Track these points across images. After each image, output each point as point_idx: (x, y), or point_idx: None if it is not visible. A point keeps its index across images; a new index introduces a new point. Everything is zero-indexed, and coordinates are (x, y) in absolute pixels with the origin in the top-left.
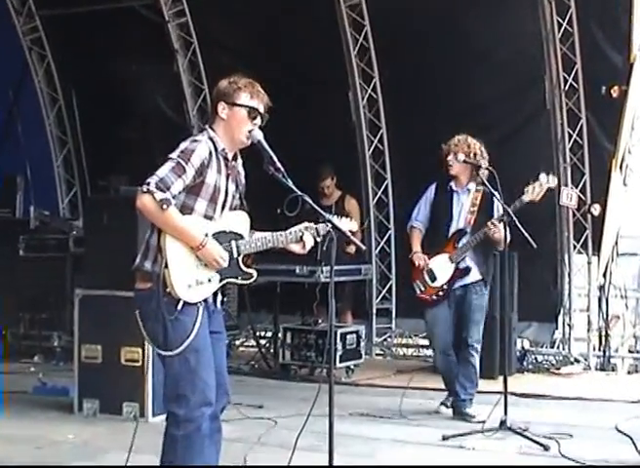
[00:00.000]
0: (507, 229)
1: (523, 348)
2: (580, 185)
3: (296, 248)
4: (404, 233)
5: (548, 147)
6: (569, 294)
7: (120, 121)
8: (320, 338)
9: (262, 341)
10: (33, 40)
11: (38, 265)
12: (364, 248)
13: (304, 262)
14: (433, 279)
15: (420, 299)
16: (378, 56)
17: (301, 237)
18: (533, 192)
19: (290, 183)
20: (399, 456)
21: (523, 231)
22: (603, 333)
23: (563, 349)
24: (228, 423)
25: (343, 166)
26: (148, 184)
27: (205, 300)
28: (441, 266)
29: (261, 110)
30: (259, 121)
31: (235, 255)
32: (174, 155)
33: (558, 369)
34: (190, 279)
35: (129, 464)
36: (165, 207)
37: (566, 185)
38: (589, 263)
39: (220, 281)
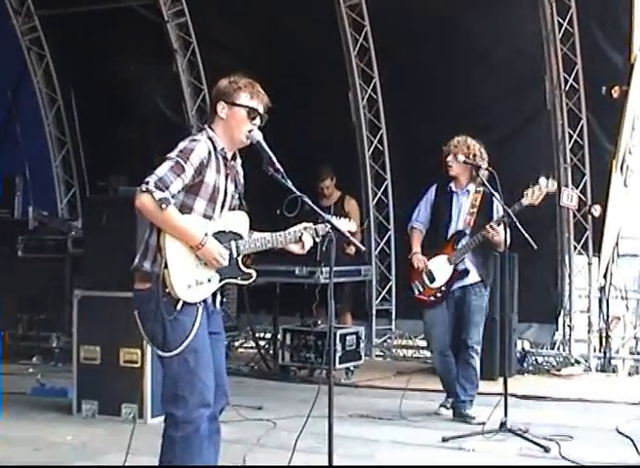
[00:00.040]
0: (508, 230)
1: (523, 349)
2: (581, 186)
3: (295, 248)
4: (404, 234)
5: (549, 148)
6: (569, 296)
7: (119, 121)
8: (320, 339)
9: (262, 342)
10: (32, 40)
11: (37, 266)
12: (364, 249)
13: (304, 263)
14: (432, 280)
15: (419, 300)
16: (377, 56)
17: (300, 237)
18: (532, 196)
19: (289, 184)
20: (399, 458)
21: (523, 232)
22: (603, 335)
23: (563, 350)
24: (227, 424)
25: (343, 166)
26: (147, 183)
27: (204, 301)
28: (440, 267)
29: (261, 111)
30: (258, 121)
31: (235, 255)
32: (172, 154)
33: (558, 370)
34: (190, 279)
35: (127, 464)
36: (164, 206)
37: (566, 186)
38: (590, 264)
39: (220, 281)
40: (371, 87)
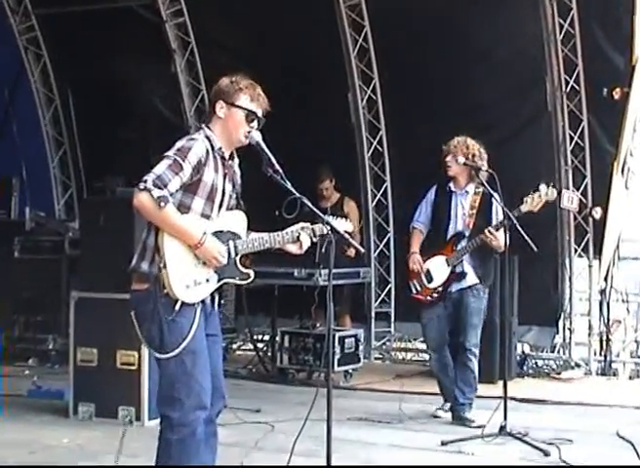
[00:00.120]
0: (508, 233)
1: (523, 352)
2: (582, 188)
3: (292, 248)
4: (403, 236)
5: (549, 149)
6: (570, 298)
7: (117, 121)
8: (318, 342)
9: (260, 345)
10: (29, 39)
11: (33, 267)
12: (363, 250)
13: (303, 265)
14: (430, 280)
15: (416, 299)
16: (377, 56)
17: (298, 237)
18: (532, 203)
19: (288, 185)
20: (398, 462)
21: (523, 234)
22: (604, 338)
23: (564, 354)
24: (225, 427)
25: (343, 167)
26: (145, 182)
27: (202, 302)
28: (438, 268)
29: (260, 115)
30: (256, 125)
31: (233, 255)
32: (170, 153)
33: (559, 373)
34: (189, 279)
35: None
36: (162, 204)
37: (567, 188)
38: (590, 267)
39: (219, 281)
40: (370, 88)
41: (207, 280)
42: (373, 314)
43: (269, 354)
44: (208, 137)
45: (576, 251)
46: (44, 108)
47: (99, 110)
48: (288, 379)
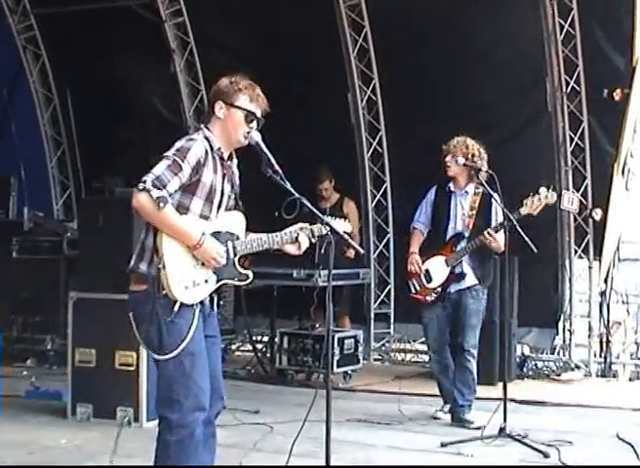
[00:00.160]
0: (508, 234)
1: (523, 354)
2: (582, 189)
3: (291, 249)
4: (403, 237)
5: (549, 150)
6: (569, 300)
7: (116, 121)
8: (317, 343)
9: (259, 346)
10: (28, 39)
11: (32, 267)
12: (362, 251)
13: (302, 266)
14: (429, 280)
15: (415, 299)
16: (377, 57)
17: (297, 238)
18: (531, 206)
19: (288, 186)
20: (397, 463)
21: (523, 236)
22: (604, 340)
23: (563, 355)
24: (224, 429)
25: (342, 168)
26: (144, 182)
27: (201, 303)
28: (437, 268)
29: (259, 115)
30: (255, 125)
31: (232, 256)
32: (169, 153)
33: (558, 375)
34: (187, 280)
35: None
36: (162, 205)
37: (567, 189)
38: (590, 268)
39: (217, 282)
40: (370, 88)
41: (206, 281)
42: (372, 315)
43: (268, 355)
44: (207, 138)
45: (576, 252)
46: (42, 108)
47: (97, 110)
48: (287, 380)
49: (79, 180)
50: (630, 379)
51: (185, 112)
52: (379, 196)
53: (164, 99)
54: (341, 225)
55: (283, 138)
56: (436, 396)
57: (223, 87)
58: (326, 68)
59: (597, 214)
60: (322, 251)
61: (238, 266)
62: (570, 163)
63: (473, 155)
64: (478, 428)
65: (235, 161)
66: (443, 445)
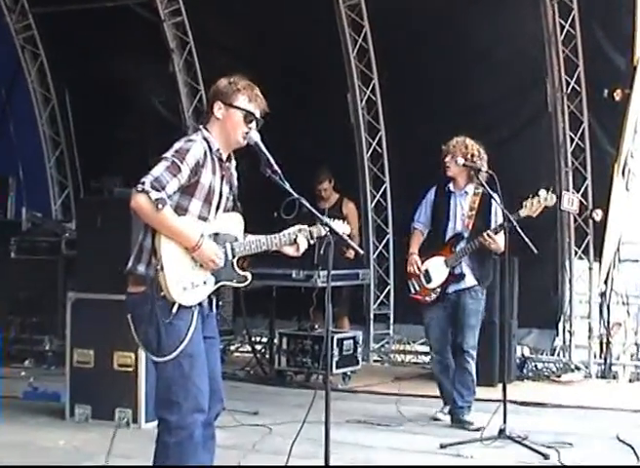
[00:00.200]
0: (507, 234)
1: (523, 355)
2: (582, 190)
3: (289, 250)
4: (403, 237)
5: (550, 151)
6: (570, 301)
7: (114, 121)
8: (316, 344)
9: (258, 347)
10: (26, 38)
11: (30, 268)
12: (362, 252)
13: (301, 267)
14: (428, 280)
15: (414, 299)
16: (377, 57)
17: (295, 239)
18: (531, 208)
19: (287, 186)
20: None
21: (523, 236)
22: (604, 341)
23: (563, 356)
24: (222, 430)
25: (342, 168)
26: (143, 184)
27: (200, 304)
28: (437, 268)
29: (258, 115)
30: (254, 125)
31: (230, 258)
32: (168, 154)
33: (558, 376)
34: (186, 281)
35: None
36: (160, 206)
37: (567, 190)
38: (591, 269)
39: (215, 283)
40: (370, 88)
41: (204, 282)
42: (372, 316)
43: (267, 356)
44: (206, 139)
45: (576, 253)
46: (41, 108)
47: (96, 110)
48: (286, 381)
49: (77, 180)
50: (630, 381)
51: (184, 112)
52: (378, 196)
53: (161, 96)
54: (340, 227)
55: (283, 138)
56: (436, 397)
57: (222, 87)
58: (326, 68)
59: (597, 214)
60: (321, 251)
61: (237, 268)
62: (570, 163)
63: (472, 155)
64: (478, 429)
65: (234, 162)
66: (442, 446)
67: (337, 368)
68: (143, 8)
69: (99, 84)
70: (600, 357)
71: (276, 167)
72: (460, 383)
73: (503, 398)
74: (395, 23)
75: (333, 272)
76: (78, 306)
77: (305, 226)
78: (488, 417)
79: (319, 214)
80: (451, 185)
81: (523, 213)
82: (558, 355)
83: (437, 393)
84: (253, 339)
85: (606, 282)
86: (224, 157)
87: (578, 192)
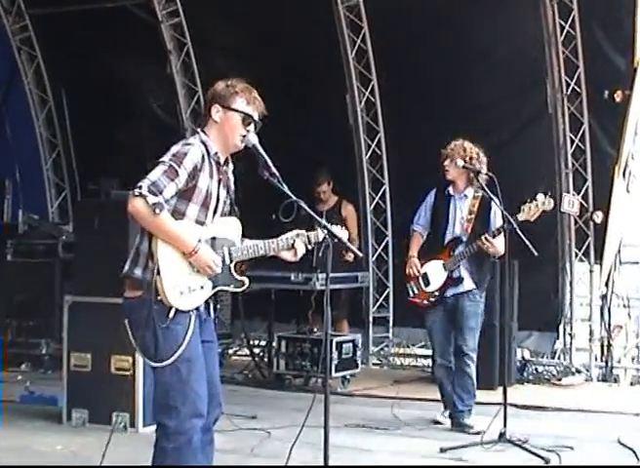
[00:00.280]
0: (507, 237)
1: (523, 358)
2: (583, 192)
3: (287, 255)
4: (402, 240)
5: (550, 152)
6: (570, 303)
7: (111, 123)
8: (315, 347)
9: (256, 350)
10: (23, 40)
11: (26, 271)
12: (361, 255)
13: (300, 269)
14: (427, 283)
15: (413, 303)
16: (376, 57)
17: (293, 244)
18: (528, 212)
19: (285, 188)
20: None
21: (524, 238)
22: (605, 344)
23: (564, 359)
24: (221, 434)
25: (341, 170)
26: (140, 188)
27: (197, 308)
28: (435, 272)
29: (256, 118)
30: (252, 128)
31: (227, 262)
32: (165, 158)
33: (559, 379)
34: (183, 286)
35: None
36: (157, 211)
37: (568, 192)
38: (591, 272)
39: (213, 288)
40: (369, 90)
41: (201, 287)
42: (371, 319)
43: (266, 359)
44: (204, 142)
45: (576, 255)
46: (38, 109)
47: (93, 111)
48: (285, 385)
49: (74, 183)
50: (632, 384)
51: (182, 114)
52: (377, 199)
53: (160, 100)
54: (338, 232)
55: (282, 139)
56: (436, 401)
57: (220, 90)
58: (326, 69)
59: (598, 216)
60: (320, 254)
61: (234, 273)
62: (570, 165)
63: (471, 158)
64: (478, 433)
65: (231, 166)
66: (442, 450)
67: (336, 371)
68: (141, 9)
69: (96, 86)
70: (601, 360)
71: (274, 169)
72: (460, 387)
73: (504, 401)
74: (394, 24)
75: (331, 275)
76: (75, 309)
77: (303, 231)
78: (488, 421)
79: (318, 217)
80: (450, 189)
81: (521, 217)
82: (559, 358)
83: (437, 396)
84: (251, 343)
85: (607, 284)
86: (222, 160)
87: (578, 194)
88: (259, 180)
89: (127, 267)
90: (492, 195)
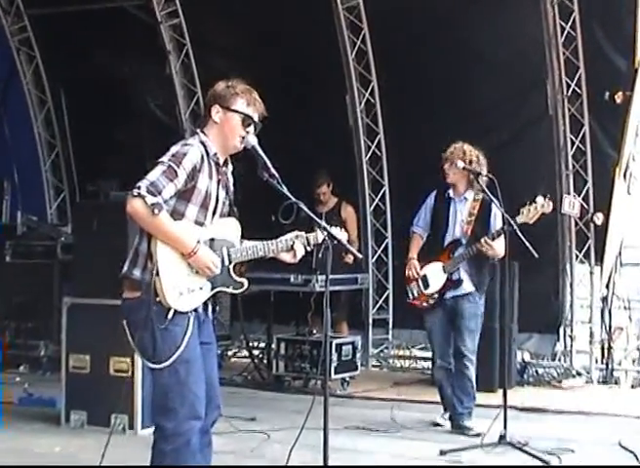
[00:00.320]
0: (507, 238)
1: (523, 360)
2: (583, 193)
3: (286, 257)
4: (402, 242)
5: (550, 154)
6: (571, 305)
7: (110, 124)
8: (315, 349)
9: (256, 352)
10: (21, 40)
11: (25, 272)
12: (360, 256)
13: (299, 271)
14: (426, 286)
15: (413, 305)
16: (375, 58)
17: (292, 246)
18: (527, 214)
19: (284, 190)
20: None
21: (524, 240)
22: (606, 346)
23: (564, 362)
24: (220, 436)
25: (341, 171)
26: (139, 188)
27: (195, 310)
28: (435, 274)
29: (256, 119)
30: (252, 130)
31: (226, 263)
32: (165, 158)
33: (559, 382)
34: (182, 287)
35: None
36: (156, 211)
37: (568, 193)
38: (592, 273)
39: (212, 289)
40: (369, 91)
41: (200, 288)
42: (370, 321)
43: (265, 361)
44: (203, 143)
45: (577, 257)
46: (36, 110)
47: (92, 112)
48: (284, 387)
49: (73, 184)
50: (633, 386)
51: (181, 115)
52: (377, 200)
53: (158, 99)
54: (337, 234)
55: (282, 140)
56: (436, 403)
57: (220, 90)
58: (326, 69)
59: (598, 218)
60: (319, 256)
61: (233, 274)
62: (571, 166)
63: (471, 161)
64: (477, 435)
65: (230, 167)
66: (442, 452)
67: (335, 373)
68: (140, 10)
69: (95, 86)
70: (602, 362)
71: (273, 171)
72: (460, 389)
73: (504, 403)
74: (394, 25)
75: (331, 277)
76: (74, 311)
77: (302, 233)
78: (488, 423)
79: (317, 219)
80: (451, 191)
81: (520, 219)
82: (559, 360)
83: (436, 399)
84: (250, 344)
85: (607, 286)
86: (221, 161)
87: (578, 195)
88: (258, 182)
89: (126, 268)
90: (492, 197)
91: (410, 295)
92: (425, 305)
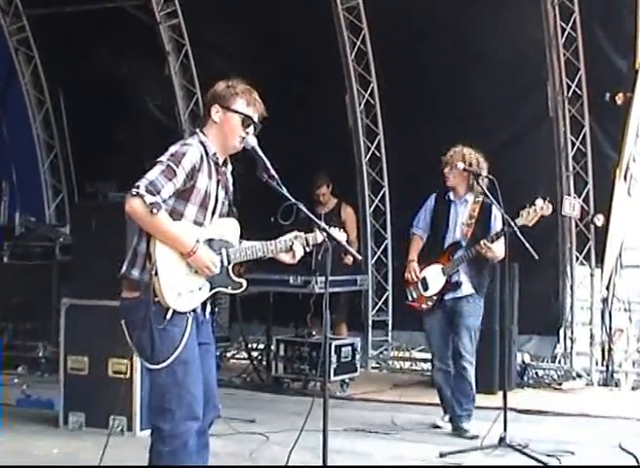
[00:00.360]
0: (507, 240)
1: (523, 362)
2: (583, 195)
3: (285, 257)
4: (401, 243)
5: (551, 155)
6: (571, 307)
7: (109, 124)
8: (314, 351)
9: (254, 353)
10: (20, 41)
11: (23, 273)
12: (360, 258)
13: (298, 272)
14: (426, 288)
15: (412, 307)
16: (375, 59)
17: (291, 246)
18: (527, 217)
19: (284, 191)
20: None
21: (524, 242)
22: (606, 348)
23: (565, 364)
24: (219, 438)
25: (340, 172)
26: (138, 187)
27: (194, 310)
28: (434, 276)
29: (256, 119)
30: (251, 130)
31: (225, 264)
32: (164, 158)
33: (560, 384)
34: (180, 287)
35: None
36: (155, 211)
37: (568, 195)
38: (592, 275)
39: (211, 290)
40: (368, 91)
41: (199, 288)
42: (370, 322)
43: (264, 363)
44: (202, 143)
45: (577, 258)
46: (35, 111)
47: (90, 113)
48: (283, 389)
49: (72, 184)
50: (633, 388)
51: (180, 115)
52: (377, 201)
53: (156, 99)
54: (337, 234)
55: (282, 140)
56: (435, 405)
57: (220, 90)
58: (326, 69)
59: (599, 219)
60: (319, 257)
61: (232, 275)
62: (571, 168)
63: (471, 164)
64: (476, 437)
65: (230, 167)
66: (442, 455)
67: (334, 375)
68: (139, 10)
69: (93, 86)
70: (602, 364)
71: (273, 171)
72: (459, 391)
73: (504, 405)
74: (394, 25)
75: (330, 278)
76: (72, 312)
77: (302, 233)
78: (488, 425)
79: (317, 220)
80: (451, 194)
81: (519, 221)
82: (559, 362)
83: (436, 400)
84: (249, 346)
85: (608, 288)
86: (221, 161)
87: (579, 197)
88: (257, 182)
89: (124, 268)
90: (493, 200)
91: (409, 297)
92: (425, 307)
